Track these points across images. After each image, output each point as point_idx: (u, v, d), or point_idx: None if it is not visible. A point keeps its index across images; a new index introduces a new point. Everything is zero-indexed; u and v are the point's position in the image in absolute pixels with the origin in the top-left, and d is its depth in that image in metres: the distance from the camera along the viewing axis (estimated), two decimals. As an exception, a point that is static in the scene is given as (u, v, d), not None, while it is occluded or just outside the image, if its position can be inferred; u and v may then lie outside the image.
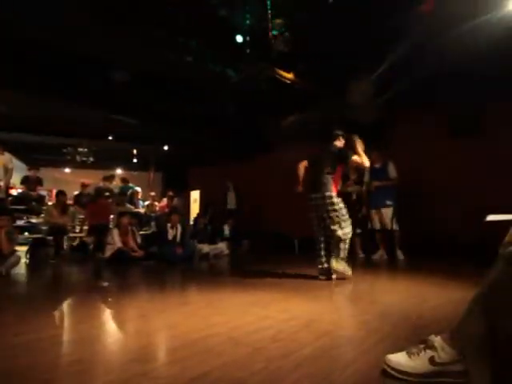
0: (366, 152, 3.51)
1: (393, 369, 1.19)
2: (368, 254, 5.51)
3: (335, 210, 3.31)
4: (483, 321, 1.06)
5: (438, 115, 5.56)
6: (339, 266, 3.22)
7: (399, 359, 1.20)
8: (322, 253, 3.43)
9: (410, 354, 1.20)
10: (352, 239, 5.64)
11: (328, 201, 3.32)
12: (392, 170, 5.19)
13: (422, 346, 1.21)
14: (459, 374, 1.12)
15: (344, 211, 3.36)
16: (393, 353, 1.24)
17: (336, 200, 3.34)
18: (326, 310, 2.12)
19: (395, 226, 5.07)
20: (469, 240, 4.89)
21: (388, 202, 5.13)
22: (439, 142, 5.57)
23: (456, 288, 2.78)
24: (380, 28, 4.02)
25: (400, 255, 5.00)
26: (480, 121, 5.21)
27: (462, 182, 5.24)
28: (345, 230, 3.32)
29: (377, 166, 5.32)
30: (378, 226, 5.26)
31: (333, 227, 3.30)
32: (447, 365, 1.13)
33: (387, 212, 5.13)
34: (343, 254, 3.28)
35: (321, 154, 3.64)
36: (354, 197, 5.74)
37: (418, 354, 1.18)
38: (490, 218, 3.64)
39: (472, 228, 4.93)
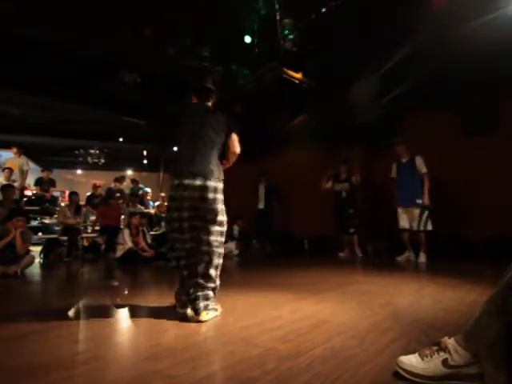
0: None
1: (405, 370, 1.18)
2: (376, 254, 5.46)
3: (216, 213, 2.06)
4: (499, 322, 1.05)
5: (453, 114, 5.46)
6: (209, 314, 1.96)
7: (412, 361, 1.19)
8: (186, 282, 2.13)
9: (422, 356, 1.19)
10: (348, 238, 5.69)
11: (210, 195, 2.05)
12: (421, 165, 4.81)
13: (435, 348, 1.19)
14: (473, 376, 1.10)
15: (225, 215, 2.15)
16: (405, 354, 1.23)
17: (221, 196, 2.12)
18: (337, 311, 2.11)
19: (428, 226, 4.69)
20: (483, 240, 4.81)
21: (418, 201, 4.77)
22: (453, 141, 5.47)
23: (469, 289, 2.73)
24: (390, 25, 3.99)
25: (422, 258, 4.65)
26: (495, 120, 5.11)
27: (476, 182, 5.15)
28: (221, 249, 2.12)
29: (403, 160, 5.04)
30: (406, 225, 4.90)
31: (211, 239, 2.04)
32: (461, 367, 1.11)
33: (416, 211, 4.79)
34: (214, 289, 2.09)
35: (205, 116, 2.24)
36: (344, 195, 5.72)
37: (431, 356, 1.17)
38: None
39: (487, 228, 4.85)
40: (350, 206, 5.64)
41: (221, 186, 2.15)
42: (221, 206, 2.12)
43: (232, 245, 6.59)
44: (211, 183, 2.07)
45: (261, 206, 7.66)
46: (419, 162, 4.85)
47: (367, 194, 6.25)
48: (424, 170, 4.80)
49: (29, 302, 2.69)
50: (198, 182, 2.05)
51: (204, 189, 2.04)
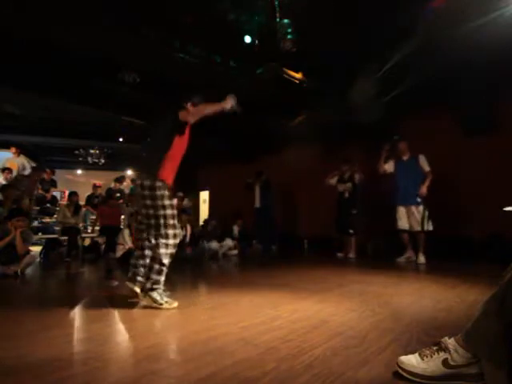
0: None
1: (405, 370, 1.18)
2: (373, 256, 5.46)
3: (162, 208, 2.27)
4: (499, 322, 1.05)
5: (453, 114, 5.44)
6: (152, 299, 2.27)
7: (412, 361, 1.19)
8: (140, 273, 2.38)
9: (422, 356, 1.19)
10: (345, 240, 5.67)
11: (153, 192, 2.28)
12: (424, 163, 4.69)
13: (435, 347, 1.19)
14: (473, 376, 1.10)
15: (173, 214, 2.33)
16: (405, 354, 1.23)
17: (164, 192, 2.29)
18: (337, 311, 2.11)
19: (427, 227, 4.56)
20: (483, 240, 4.80)
21: (418, 200, 4.66)
22: (453, 141, 5.45)
23: (469, 289, 2.73)
24: (390, 25, 3.99)
25: (422, 259, 4.54)
26: (495, 119, 5.10)
27: (476, 182, 5.14)
28: (169, 248, 2.28)
29: (404, 158, 4.93)
30: (405, 225, 4.77)
31: (157, 233, 2.29)
32: (461, 367, 1.11)
33: (418, 211, 4.66)
34: (159, 281, 2.29)
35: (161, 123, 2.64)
36: (347, 195, 5.66)
37: (431, 356, 1.17)
38: (508, 208, 3.53)
39: (487, 228, 4.85)
40: (352, 207, 5.55)
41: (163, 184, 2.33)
42: (168, 202, 2.31)
43: (232, 245, 6.59)
44: (157, 182, 2.29)
45: (257, 204, 7.65)
46: (423, 160, 4.73)
47: (366, 193, 6.25)
48: (427, 168, 4.70)
49: (29, 302, 2.69)
50: (147, 182, 2.31)
51: (152, 188, 2.29)
